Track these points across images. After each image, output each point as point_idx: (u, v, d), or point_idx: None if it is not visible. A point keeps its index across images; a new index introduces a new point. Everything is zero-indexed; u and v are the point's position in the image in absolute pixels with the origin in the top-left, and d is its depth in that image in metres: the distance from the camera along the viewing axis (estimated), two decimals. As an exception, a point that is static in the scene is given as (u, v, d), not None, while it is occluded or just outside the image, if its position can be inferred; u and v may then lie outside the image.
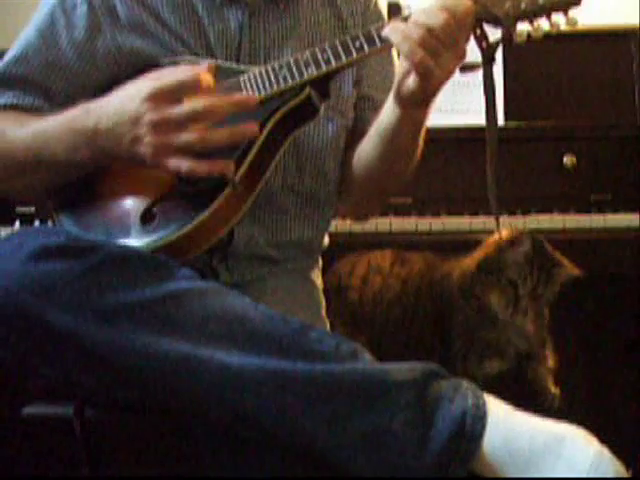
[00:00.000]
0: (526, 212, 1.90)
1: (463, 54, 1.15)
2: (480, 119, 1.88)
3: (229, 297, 1.06)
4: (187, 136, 1.10)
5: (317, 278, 1.48)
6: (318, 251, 1.49)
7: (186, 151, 1.11)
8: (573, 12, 1.24)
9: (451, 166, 1.90)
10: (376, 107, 1.35)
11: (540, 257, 1.43)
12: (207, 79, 1.13)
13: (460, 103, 1.98)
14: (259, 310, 1.06)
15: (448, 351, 1.45)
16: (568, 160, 1.94)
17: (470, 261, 1.45)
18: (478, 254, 1.45)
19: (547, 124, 2.00)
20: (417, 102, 1.19)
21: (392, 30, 1.15)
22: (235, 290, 1.09)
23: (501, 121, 2.02)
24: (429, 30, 1.11)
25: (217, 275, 1.31)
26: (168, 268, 1.07)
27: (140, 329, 1.00)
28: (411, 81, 1.16)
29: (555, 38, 1.99)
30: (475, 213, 1.89)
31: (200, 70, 1.13)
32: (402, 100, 1.20)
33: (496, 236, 1.43)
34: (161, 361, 1.00)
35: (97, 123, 1.15)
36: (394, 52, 1.44)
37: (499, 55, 2.04)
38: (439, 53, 1.12)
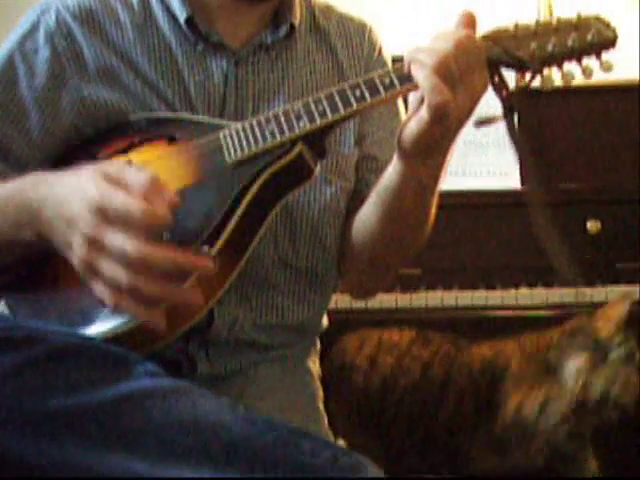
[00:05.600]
0: (548, 285, 1.80)
1: (477, 93, 1.03)
2: (494, 182, 1.88)
3: (201, 399, 0.89)
4: (115, 271, 0.93)
5: (313, 365, 1.35)
6: (315, 334, 1.35)
7: (112, 285, 0.94)
8: (607, 56, 1.11)
9: (464, 234, 1.82)
10: (380, 168, 1.23)
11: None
12: (164, 218, 0.94)
13: (472, 165, 1.89)
14: (238, 415, 0.89)
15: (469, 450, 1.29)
16: (592, 225, 1.87)
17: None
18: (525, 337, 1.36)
19: (568, 187, 1.92)
20: (424, 148, 1.05)
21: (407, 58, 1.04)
22: (207, 390, 0.92)
23: (517, 185, 1.94)
24: (443, 56, 1.00)
25: (195, 365, 1.18)
26: (126, 363, 0.90)
27: (85, 443, 0.84)
28: (416, 121, 1.02)
29: (574, 93, 1.95)
30: (492, 287, 1.78)
31: (164, 202, 0.95)
32: (406, 147, 1.06)
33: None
34: None
35: (41, 206, 1.01)
36: (400, 106, 1.33)
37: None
38: (454, 83, 1.00)
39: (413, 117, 1.03)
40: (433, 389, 1.34)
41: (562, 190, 1.89)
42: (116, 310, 0.96)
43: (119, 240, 0.93)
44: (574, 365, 1.31)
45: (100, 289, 0.95)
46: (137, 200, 0.93)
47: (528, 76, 1.09)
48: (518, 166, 1.91)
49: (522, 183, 1.89)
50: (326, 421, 1.29)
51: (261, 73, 1.25)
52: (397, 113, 1.33)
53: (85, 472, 0.83)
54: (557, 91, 1.93)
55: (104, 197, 0.94)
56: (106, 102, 1.18)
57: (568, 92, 1.93)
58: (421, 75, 1.00)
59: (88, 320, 1.02)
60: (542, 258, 1.80)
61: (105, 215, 0.93)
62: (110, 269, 0.93)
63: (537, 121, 1.97)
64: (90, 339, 0.96)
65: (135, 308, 0.94)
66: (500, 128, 1.72)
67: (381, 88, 1.06)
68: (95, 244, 0.94)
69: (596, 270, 1.82)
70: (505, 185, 1.90)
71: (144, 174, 0.95)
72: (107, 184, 0.95)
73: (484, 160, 1.87)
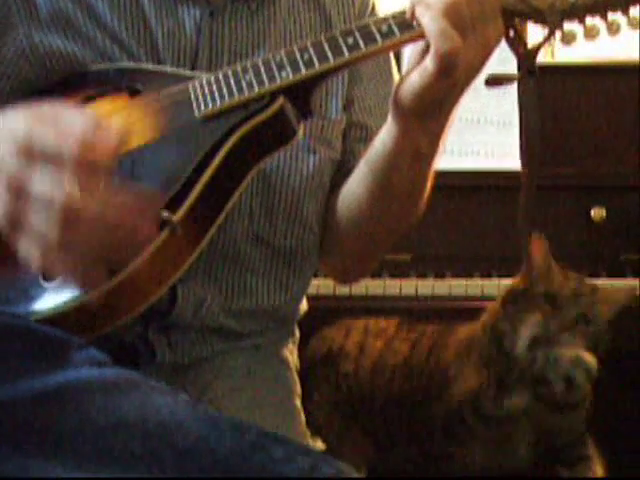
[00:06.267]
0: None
1: (490, 45, 0.95)
2: (493, 162, 1.79)
3: (153, 394, 0.78)
4: (42, 223, 0.80)
5: (291, 355, 1.26)
6: (293, 320, 1.27)
7: (40, 241, 0.81)
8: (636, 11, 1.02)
9: (459, 217, 1.76)
10: (369, 138, 1.15)
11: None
12: (103, 160, 0.81)
13: (470, 144, 1.81)
14: (197, 414, 0.78)
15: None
16: (596, 213, 1.80)
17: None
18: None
19: (571, 171, 1.85)
20: (425, 106, 0.96)
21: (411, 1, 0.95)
22: (162, 384, 0.81)
23: (517, 166, 1.86)
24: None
25: (153, 352, 1.09)
26: (63, 348, 0.78)
27: (5, 447, 0.71)
28: (418, 73, 0.93)
29: (577, 71, 1.86)
30: (487, 274, 1.73)
31: (107, 143, 0.83)
32: (404, 105, 0.96)
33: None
34: None
35: None
36: (394, 69, 1.24)
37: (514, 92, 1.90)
38: (464, 30, 0.91)
39: (415, 69, 0.93)
40: (421, 364, 1.33)
41: (564, 175, 1.83)
42: (45, 273, 0.83)
43: (45, 184, 0.80)
44: (528, 331, 1.29)
45: (25, 248, 0.81)
46: (72, 138, 0.81)
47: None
48: (519, 146, 1.85)
49: (522, 164, 1.81)
50: (303, 419, 1.21)
51: (239, 26, 1.15)
52: (391, 77, 1.24)
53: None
54: (563, 70, 1.88)
55: (33, 135, 0.82)
56: (60, 51, 1.09)
57: (574, 71, 1.88)
58: (427, 17, 0.90)
59: (26, 297, 0.91)
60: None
61: (31, 155, 0.81)
62: (37, 220, 0.79)
63: (537, 101, 1.86)
64: (20, 318, 0.84)
65: (69, 268, 0.81)
66: (501, 104, 1.67)
67: (378, 36, 0.95)
68: (18, 191, 0.81)
69: (600, 261, 1.76)
70: (504, 166, 1.83)
71: (85, 113, 0.84)
72: (39, 123, 0.83)
73: (482, 139, 1.80)
